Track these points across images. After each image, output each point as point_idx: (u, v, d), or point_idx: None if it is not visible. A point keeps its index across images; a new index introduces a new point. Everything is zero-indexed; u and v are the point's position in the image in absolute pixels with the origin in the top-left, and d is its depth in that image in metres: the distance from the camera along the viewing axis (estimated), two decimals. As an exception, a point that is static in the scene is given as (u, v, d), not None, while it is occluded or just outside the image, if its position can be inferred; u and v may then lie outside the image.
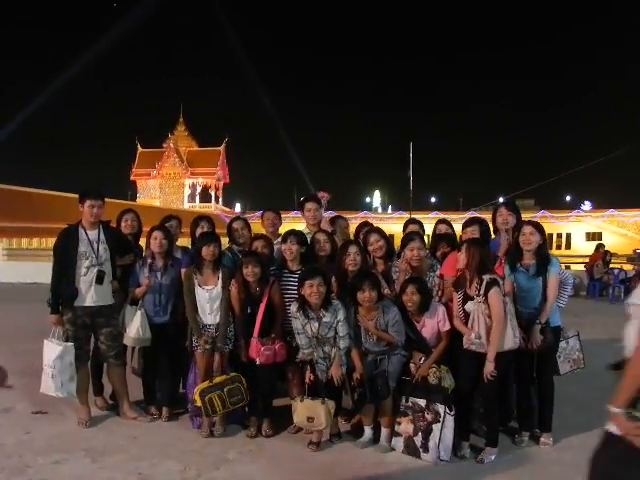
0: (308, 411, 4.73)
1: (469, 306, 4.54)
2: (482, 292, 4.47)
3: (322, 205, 6.08)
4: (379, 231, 5.39)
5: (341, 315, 4.74)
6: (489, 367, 4.41)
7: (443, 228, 5.76)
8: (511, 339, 4.49)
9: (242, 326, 5.10)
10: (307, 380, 4.83)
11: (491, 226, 5.40)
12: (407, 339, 4.81)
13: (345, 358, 4.78)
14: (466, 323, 4.58)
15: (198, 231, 5.68)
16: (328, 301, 4.75)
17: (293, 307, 4.87)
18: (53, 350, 5.07)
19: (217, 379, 5.00)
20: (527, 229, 4.80)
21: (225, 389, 4.94)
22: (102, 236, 5.31)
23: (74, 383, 5.15)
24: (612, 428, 2.50)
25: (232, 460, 4.59)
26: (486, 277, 4.51)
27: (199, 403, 4.92)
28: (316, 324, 4.77)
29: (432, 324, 4.79)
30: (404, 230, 5.83)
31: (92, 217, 5.28)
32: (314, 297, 4.69)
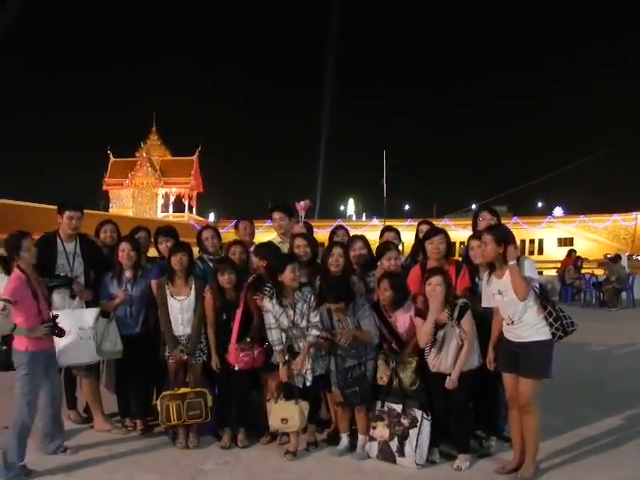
0: (282, 412, 4.76)
1: (440, 333, 4.57)
2: (456, 316, 4.53)
3: (294, 214, 6.11)
4: (363, 239, 5.45)
5: (313, 301, 4.79)
6: (452, 384, 4.49)
7: (424, 229, 5.79)
8: (476, 359, 4.60)
9: (216, 334, 5.07)
10: (282, 378, 4.82)
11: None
12: (381, 338, 4.82)
13: (326, 358, 4.84)
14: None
15: (160, 247, 5.67)
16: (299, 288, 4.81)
17: (266, 300, 4.86)
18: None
19: (182, 390, 5.00)
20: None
21: (185, 401, 4.92)
22: (78, 249, 5.25)
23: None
24: None
25: (208, 471, 4.56)
26: (459, 302, 4.59)
27: (159, 408, 4.95)
28: (291, 312, 4.79)
29: (405, 318, 4.80)
30: (380, 237, 5.87)
31: (70, 229, 5.22)
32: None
